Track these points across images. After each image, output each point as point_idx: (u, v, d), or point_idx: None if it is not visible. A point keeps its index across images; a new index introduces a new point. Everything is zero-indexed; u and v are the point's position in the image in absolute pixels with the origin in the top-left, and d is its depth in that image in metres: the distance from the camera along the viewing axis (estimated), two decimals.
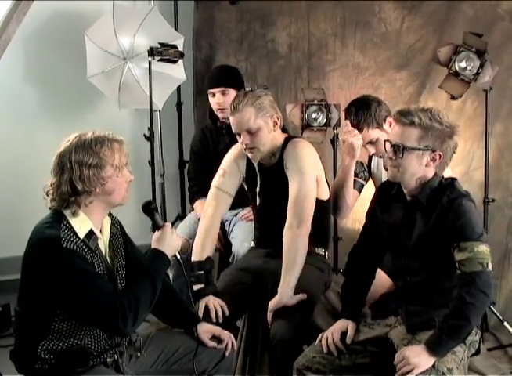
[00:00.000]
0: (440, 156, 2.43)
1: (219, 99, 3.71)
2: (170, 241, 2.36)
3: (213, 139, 3.85)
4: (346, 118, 3.23)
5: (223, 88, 3.71)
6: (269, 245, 3.08)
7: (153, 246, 2.36)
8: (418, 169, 2.44)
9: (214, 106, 3.74)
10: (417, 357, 2.26)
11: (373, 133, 3.16)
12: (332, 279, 3.25)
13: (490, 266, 2.32)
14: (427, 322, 2.42)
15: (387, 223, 2.58)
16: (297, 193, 2.87)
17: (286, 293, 2.77)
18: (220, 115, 3.74)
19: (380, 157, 3.23)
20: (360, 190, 3.36)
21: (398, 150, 2.41)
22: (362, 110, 3.17)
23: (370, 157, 3.38)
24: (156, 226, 2.40)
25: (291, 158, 2.93)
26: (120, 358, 2.38)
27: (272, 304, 2.77)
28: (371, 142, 3.17)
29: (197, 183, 3.82)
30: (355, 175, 3.32)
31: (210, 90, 3.74)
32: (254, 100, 2.90)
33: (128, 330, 2.20)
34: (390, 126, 3.16)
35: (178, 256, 2.44)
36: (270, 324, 2.77)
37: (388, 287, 2.86)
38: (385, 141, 2.48)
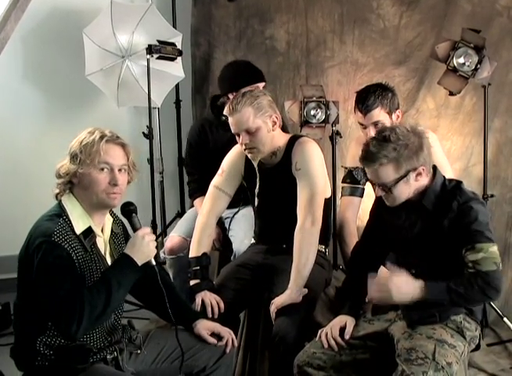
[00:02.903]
0: (423, 168, 2.45)
1: None
2: (140, 247, 2.28)
3: (213, 133, 3.75)
4: (357, 104, 3.21)
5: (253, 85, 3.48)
6: (269, 241, 3.10)
7: (125, 250, 2.32)
8: (410, 189, 2.47)
9: None
10: (403, 282, 2.33)
11: (382, 115, 3.16)
12: (332, 275, 3.26)
13: (501, 266, 2.38)
14: (427, 318, 2.42)
15: (392, 224, 2.59)
16: (310, 193, 2.90)
17: (295, 290, 2.78)
18: None
19: None
20: (362, 195, 3.42)
21: (385, 187, 2.44)
22: (380, 91, 3.19)
23: None
24: (133, 229, 2.35)
25: (301, 159, 2.95)
26: (120, 355, 2.38)
27: (280, 301, 2.77)
28: (376, 125, 3.17)
29: (196, 179, 3.78)
30: (357, 182, 3.39)
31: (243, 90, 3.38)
32: (253, 100, 2.91)
33: (72, 332, 2.14)
34: (397, 119, 3.24)
35: (153, 262, 2.34)
36: (274, 321, 2.77)
37: None
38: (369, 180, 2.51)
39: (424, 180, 2.47)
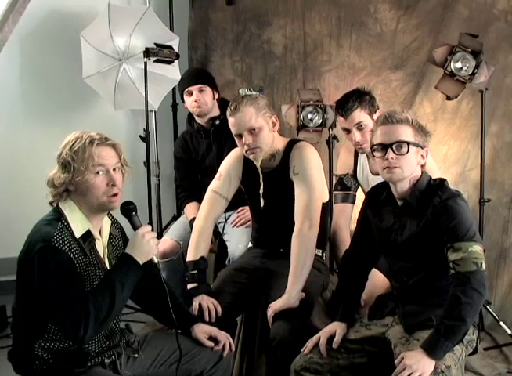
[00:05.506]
0: (427, 152, 2.48)
1: (197, 96, 3.75)
2: (141, 246, 2.28)
3: (193, 143, 3.88)
4: (338, 110, 3.22)
5: (200, 85, 3.76)
6: (267, 246, 3.10)
7: (125, 249, 2.32)
8: (414, 168, 2.47)
9: (192, 105, 3.76)
10: (419, 363, 2.23)
11: (363, 116, 3.17)
12: (329, 279, 3.25)
13: (484, 266, 2.33)
14: (424, 322, 2.41)
15: (379, 227, 2.59)
16: (308, 198, 2.90)
17: (293, 295, 2.78)
18: (197, 111, 3.75)
19: (362, 151, 3.25)
20: (354, 202, 3.42)
21: (401, 147, 2.43)
22: (357, 94, 3.21)
23: (355, 163, 3.40)
24: (134, 228, 2.35)
25: (299, 163, 2.95)
26: (118, 359, 2.38)
27: (278, 305, 2.76)
28: (359, 128, 3.16)
29: (184, 189, 3.88)
30: (348, 188, 3.40)
31: (188, 88, 3.78)
32: (253, 101, 2.93)
33: (80, 336, 2.14)
34: None
35: (156, 260, 2.35)
36: (271, 325, 2.77)
37: (386, 289, 2.87)
38: (375, 146, 2.49)
39: (419, 171, 2.48)
